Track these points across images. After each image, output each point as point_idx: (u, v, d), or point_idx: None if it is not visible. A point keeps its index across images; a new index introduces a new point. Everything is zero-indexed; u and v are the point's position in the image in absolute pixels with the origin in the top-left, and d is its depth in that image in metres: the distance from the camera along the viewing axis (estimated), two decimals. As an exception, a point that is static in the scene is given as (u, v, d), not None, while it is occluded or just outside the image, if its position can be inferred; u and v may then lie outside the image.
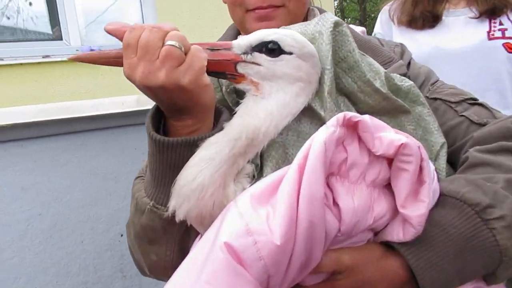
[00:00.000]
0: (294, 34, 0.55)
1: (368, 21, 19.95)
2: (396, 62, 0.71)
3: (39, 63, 3.32)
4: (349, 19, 22.26)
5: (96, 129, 1.19)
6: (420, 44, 1.47)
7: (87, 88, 3.45)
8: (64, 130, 1.11)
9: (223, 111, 0.57)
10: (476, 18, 1.49)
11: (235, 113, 0.54)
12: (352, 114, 0.47)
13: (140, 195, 0.58)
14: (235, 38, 0.77)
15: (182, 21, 3.28)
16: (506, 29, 1.51)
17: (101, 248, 1.23)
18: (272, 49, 0.54)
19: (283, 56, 0.54)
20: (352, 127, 0.48)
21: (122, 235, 1.24)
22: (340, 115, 0.47)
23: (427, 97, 0.68)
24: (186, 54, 0.50)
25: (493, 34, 1.52)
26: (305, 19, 0.75)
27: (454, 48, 1.48)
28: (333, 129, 0.46)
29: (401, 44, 0.79)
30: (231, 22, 0.82)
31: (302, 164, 0.45)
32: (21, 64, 3.24)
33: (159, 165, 0.55)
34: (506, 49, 1.50)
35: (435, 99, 0.69)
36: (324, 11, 0.78)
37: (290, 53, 0.54)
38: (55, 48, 3.43)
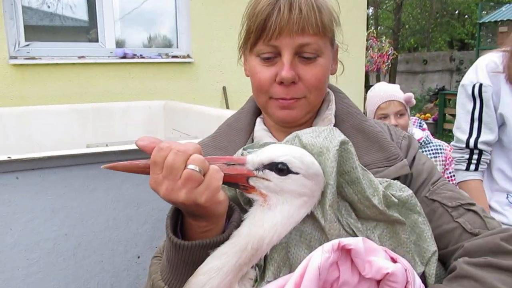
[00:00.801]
0: (302, 156, 0.61)
1: (402, 31, 19.59)
2: (401, 160, 0.75)
3: (74, 63, 3.47)
4: (383, 27, 21.90)
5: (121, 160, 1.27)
6: None
7: (115, 90, 3.58)
8: (93, 161, 1.20)
9: (235, 210, 0.64)
10: None
11: (244, 218, 0.62)
12: (347, 242, 0.54)
13: (156, 277, 0.66)
14: (253, 114, 0.84)
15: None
16: None
17: (119, 268, 1.32)
18: (282, 169, 0.61)
19: (290, 175, 0.61)
20: (346, 252, 0.55)
21: (139, 257, 1.32)
22: (335, 242, 0.54)
23: (426, 197, 0.73)
24: (205, 174, 0.57)
25: None
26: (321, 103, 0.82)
27: None
28: (327, 254, 0.53)
29: (409, 137, 0.84)
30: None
31: (298, 282, 0.52)
32: (57, 64, 3.40)
33: (174, 259, 0.62)
34: None
35: (434, 200, 0.74)
36: (338, 90, 0.85)
37: (297, 173, 0.61)
38: (91, 49, 3.58)
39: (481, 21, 10.30)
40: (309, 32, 0.74)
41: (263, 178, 0.61)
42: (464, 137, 1.54)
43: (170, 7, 3.94)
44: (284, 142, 0.70)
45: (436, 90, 13.20)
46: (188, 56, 3.90)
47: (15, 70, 3.31)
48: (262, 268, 0.62)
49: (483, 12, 11.23)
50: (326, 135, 0.68)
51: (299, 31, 0.74)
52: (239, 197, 0.67)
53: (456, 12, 19.15)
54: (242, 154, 0.68)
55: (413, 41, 20.84)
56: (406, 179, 0.76)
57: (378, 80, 18.31)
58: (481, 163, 1.54)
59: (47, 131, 2.90)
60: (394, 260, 0.56)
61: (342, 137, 0.68)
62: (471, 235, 0.71)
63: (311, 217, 0.64)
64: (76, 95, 3.49)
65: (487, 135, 1.50)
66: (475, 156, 1.54)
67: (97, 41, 3.68)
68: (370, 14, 19.96)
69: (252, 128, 0.86)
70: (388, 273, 0.53)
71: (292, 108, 0.78)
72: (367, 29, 16.53)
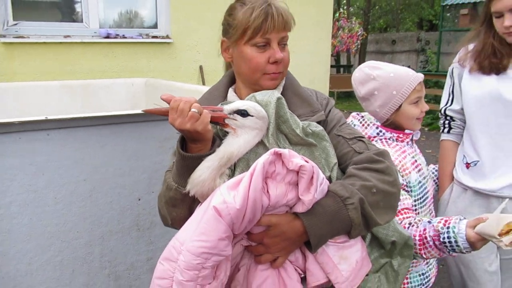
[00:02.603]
0: (255, 106, 1.01)
1: (372, 12, 19.97)
2: (319, 112, 1.17)
3: (60, 42, 3.72)
4: (355, 7, 22.22)
5: (126, 122, 1.63)
6: (484, 84, 1.76)
7: (99, 68, 3.86)
8: (106, 122, 1.55)
9: (216, 139, 1.04)
10: None
11: (222, 142, 1.01)
12: (279, 150, 0.94)
13: (169, 180, 1.05)
14: (227, 86, 1.23)
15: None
16: None
17: (124, 207, 1.70)
18: (243, 113, 1.00)
19: (248, 117, 1.01)
20: (279, 155, 0.95)
21: (139, 199, 1.70)
22: (272, 150, 0.94)
23: (335, 134, 1.15)
24: (200, 114, 0.97)
25: None
26: None
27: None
28: (268, 156, 0.93)
29: (328, 98, 1.25)
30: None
31: (252, 172, 0.91)
32: (44, 42, 3.65)
33: (181, 166, 1.02)
34: None
35: (338, 135, 1.16)
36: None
37: (252, 116, 1.01)
38: (76, 29, 3.83)
39: (444, 4, 10.83)
40: (286, 29, 1.16)
41: (233, 119, 1.01)
42: (442, 106, 1.97)
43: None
44: (245, 99, 1.10)
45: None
46: (168, 37, 4.20)
47: (5, 48, 3.55)
48: (233, 170, 1.02)
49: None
50: (269, 94, 1.09)
51: (282, 29, 1.14)
52: (219, 132, 1.07)
53: (425, -7, 19.71)
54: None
55: (383, 21, 21.36)
56: (324, 123, 1.17)
57: (348, 60, 18.80)
58: (452, 127, 1.94)
59: (40, 105, 3.15)
60: (307, 162, 0.96)
61: (278, 95, 1.09)
62: (358, 154, 1.13)
63: (261, 143, 1.05)
64: (63, 72, 3.76)
65: (454, 105, 1.92)
66: (446, 122, 1.96)
67: (81, 21, 3.93)
68: (342, -6, 20.31)
69: (226, 95, 1.25)
70: (301, 165, 0.93)
71: (277, 79, 1.18)
72: (339, 9, 16.80)
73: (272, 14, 1.12)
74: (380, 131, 1.61)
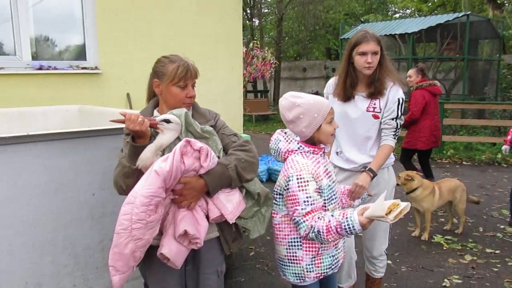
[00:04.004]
0: (173, 117, 1.73)
1: (283, 42, 21.56)
2: (210, 121, 1.94)
3: (-5, 74, 4.07)
4: (267, 38, 23.76)
5: (83, 137, 2.18)
6: (339, 108, 2.58)
7: (33, 97, 4.27)
8: (69, 137, 2.10)
9: (151, 136, 1.75)
10: (365, 98, 2.57)
11: (155, 138, 1.72)
12: (189, 139, 1.65)
13: (124, 161, 1.72)
14: (153, 108, 1.95)
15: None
16: (375, 107, 2.55)
17: (81, 201, 2.24)
18: (167, 121, 1.72)
19: (170, 123, 1.72)
20: (188, 142, 1.65)
21: (93, 194, 2.25)
22: (185, 139, 1.65)
23: (221, 133, 1.92)
24: (143, 121, 1.66)
25: (368, 109, 2.57)
26: None
27: (353, 115, 2.61)
28: (183, 142, 1.63)
29: (216, 114, 2.02)
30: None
31: (175, 151, 1.60)
32: (-20, 74, 3.97)
33: (132, 152, 1.69)
34: (373, 117, 2.57)
35: (223, 133, 1.93)
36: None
37: (172, 122, 1.72)
38: (10, 61, 4.23)
39: (342, 37, 12.39)
40: (196, 77, 1.91)
41: (161, 124, 1.71)
42: None
43: (79, 26, 4.70)
44: (167, 113, 1.79)
45: (312, 94, 15.14)
46: (96, 68, 4.70)
47: None
48: (163, 153, 1.71)
49: (345, 28, 13.42)
50: (180, 110, 1.81)
51: (195, 77, 1.90)
52: (153, 133, 1.77)
53: (330, 26, 21.82)
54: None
55: (293, 51, 23.12)
56: (214, 127, 1.93)
57: (265, 86, 20.09)
58: None
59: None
60: (203, 145, 1.69)
61: (185, 111, 1.82)
62: (233, 142, 1.91)
63: (178, 138, 1.76)
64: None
65: None
66: None
67: (15, 54, 4.31)
68: (256, 25, 21.76)
69: (153, 114, 1.94)
70: (201, 146, 1.67)
71: (189, 106, 1.92)
72: (253, 39, 18.02)
73: (190, 69, 1.88)
74: (300, 146, 1.95)
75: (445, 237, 4.62)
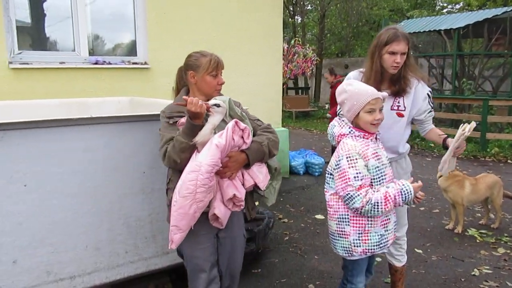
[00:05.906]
0: (221, 102, 2.00)
1: (325, 39, 21.50)
2: (246, 110, 2.22)
3: (57, 68, 4.53)
4: (310, 35, 23.74)
5: (136, 121, 2.49)
6: None
7: (89, 89, 4.70)
8: (124, 120, 2.41)
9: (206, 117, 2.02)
10: (388, 96, 2.39)
11: (208, 119, 2.00)
12: (237, 120, 1.98)
13: (180, 138, 1.98)
14: (187, 94, 2.20)
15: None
16: (399, 105, 2.54)
17: (134, 177, 2.55)
18: (217, 105, 1.99)
19: (219, 107, 1.99)
20: (236, 123, 1.95)
21: (144, 172, 2.56)
22: (235, 120, 1.98)
23: (250, 119, 2.21)
24: (202, 105, 1.94)
25: (393, 107, 2.53)
26: None
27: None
28: (233, 122, 1.95)
29: (246, 109, 2.28)
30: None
31: (227, 129, 1.93)
32: (44, 68, 4.44)
33: (190, 130, 1.97)
34: (397, 115, 2.55)
35: (251, 119, 2.22)
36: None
37: (221, 106, 1.99)
38: (70, 57, 4.68)
39: (384, 34, 12.24)
40: (223, 68, 2.22)
41: (213, 107, 1.99)
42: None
43: (131, 24, 5.09)
44: (215, 99, 2.06)
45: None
46: (146, 63, 5.07)
47: (13, 72, 4.31)
48: (215, 131, 2.00)
49: (389, 25, 13.22)
50: (225, 97, 2.12)
51: (222, 68, 2.21)
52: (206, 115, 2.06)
53: (374, 23, 21.53)
54: None
55: (335, 48, 22.99)
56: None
57: (306, 83, 20.16)
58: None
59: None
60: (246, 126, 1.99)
61: (229, 98, 2.13)
62: (259, 126, 2.23)
63: (223, 121, 2.03)
64: (60, 92, 4.54)
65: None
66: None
67: (74, 50, 4.75)
68: (299, 22, 21.82)
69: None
70: (245, 126, 1.98)
71: (219, 92, 2.23)
72: (295, 36, 18.14)
73: (219, 61, 2.19)
74: (351, 130, 2.13)
75: (480, 231, 4.64)
